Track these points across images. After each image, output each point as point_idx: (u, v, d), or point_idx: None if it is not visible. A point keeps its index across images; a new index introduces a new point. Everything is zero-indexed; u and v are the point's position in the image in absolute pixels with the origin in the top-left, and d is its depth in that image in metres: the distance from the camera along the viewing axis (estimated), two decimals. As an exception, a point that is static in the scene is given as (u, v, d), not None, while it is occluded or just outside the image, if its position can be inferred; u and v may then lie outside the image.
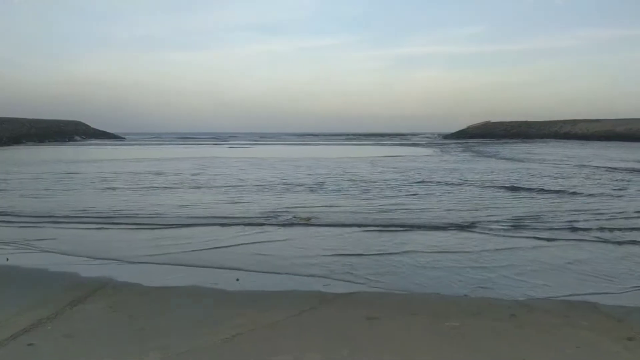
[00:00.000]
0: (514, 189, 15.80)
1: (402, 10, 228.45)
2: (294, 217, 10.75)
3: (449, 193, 15.04)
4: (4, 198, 14.20)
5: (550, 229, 9.64)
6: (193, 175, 21.41)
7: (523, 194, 14.80)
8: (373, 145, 64.77)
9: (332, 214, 11.37)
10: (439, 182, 18.05)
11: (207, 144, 73.09)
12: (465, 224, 10.09)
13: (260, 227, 9.90)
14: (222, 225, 10.14)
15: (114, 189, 16.54)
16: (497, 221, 10.41)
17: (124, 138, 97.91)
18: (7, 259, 7.37)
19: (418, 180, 19.00)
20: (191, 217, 11.05)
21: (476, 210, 11.97)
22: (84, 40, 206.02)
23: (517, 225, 10.01)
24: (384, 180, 18.91)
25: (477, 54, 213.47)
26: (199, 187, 16.94)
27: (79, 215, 11.35)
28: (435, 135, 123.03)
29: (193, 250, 7.97)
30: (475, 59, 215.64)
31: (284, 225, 10.09)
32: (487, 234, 9.30)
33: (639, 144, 55.90)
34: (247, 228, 9.82)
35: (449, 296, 5.82)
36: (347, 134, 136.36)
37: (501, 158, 32.59)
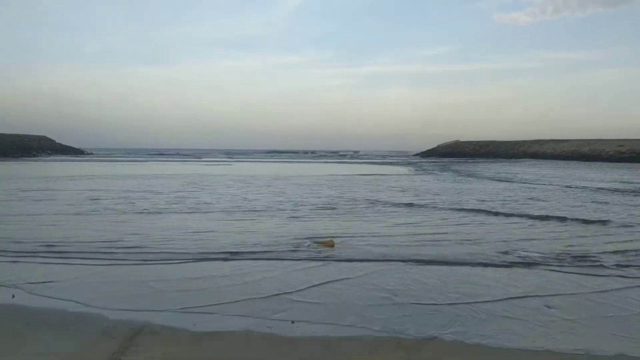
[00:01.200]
0: (547, 218, 14.00)
1: (370, 28, 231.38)
2: (315, 243, 10.18)
3: (481, 224, 13.00)
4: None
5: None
6: (191, 194, 20.19)
7: (570, 223, 13.08)
8: (349, 163, 64.60)
9: (365, 243, 10.30)
10: (460, 208, 16.09)
11: (184, 160, 71.66)
12: (533, 261, 8.73)
13: (298, 261, 8.71)
14: (253, 259, 8.76)
15: (110, 210, 14.98)
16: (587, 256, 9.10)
17: (92, 153, 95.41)
18: (13, 296, 6.55)
19: (429, 201, 18.38)
20: (208, 251, 9.33)
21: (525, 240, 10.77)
22: (50, 53, 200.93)
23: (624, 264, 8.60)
24: (402, 202, 17.86)
25: (444, 72, 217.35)
26: (208, 211, 15.11)
27: (83, 247, 9.61)
28: (405, 154, 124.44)
29: (228, 287, 7.27)
30: (442, 78, 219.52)
31: (323, 260, 8.78)
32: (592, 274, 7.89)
33: (603, 163, 58.61)
34: (279, 263, 8.53)
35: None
36: (314, 152, 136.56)
37: (487, 178, 32.47)
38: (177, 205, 16.31)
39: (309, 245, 9.92)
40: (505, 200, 18.61)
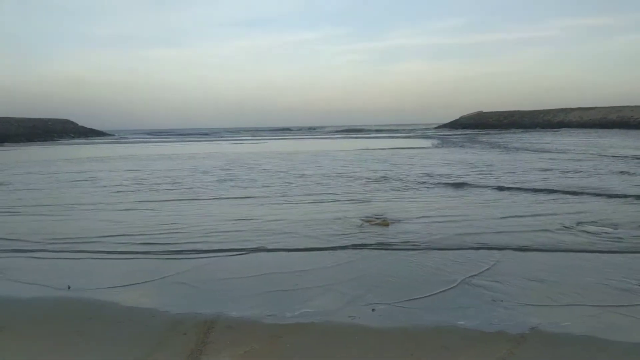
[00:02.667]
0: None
1: (385, 2, 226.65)
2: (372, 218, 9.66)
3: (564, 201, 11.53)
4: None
5: None
6: (244, 174, 19.55)
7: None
8: (374, 138, 63.26)
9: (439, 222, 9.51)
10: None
11: (210, 140, 70.95)
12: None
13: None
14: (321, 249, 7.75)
15: (174, 192, 14.34)
16: None
17: (114, 135, 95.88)
18: (69, 287, 6.17)
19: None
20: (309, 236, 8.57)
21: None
22: (68, 39, 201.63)
23: None
24: (467, 175, 17.18)
25: (462, 44, 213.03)
26: (282, 195, 13.64)
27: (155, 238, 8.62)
28: (426, 126, 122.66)
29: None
30: (460, 50, 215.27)
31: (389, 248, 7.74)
32: None
33: (631, 131, 57.06)
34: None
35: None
36: (334, 127, 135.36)
37: (521, 149, 31.33)
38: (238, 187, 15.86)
39: (361, 225, 9.40)
40: (568, 173, 17.23)
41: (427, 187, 14.43)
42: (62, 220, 10.44)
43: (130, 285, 6.18)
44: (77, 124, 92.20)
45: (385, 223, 9.44)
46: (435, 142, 46.42)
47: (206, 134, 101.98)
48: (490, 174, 17.54)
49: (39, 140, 68.48)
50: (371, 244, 7.90)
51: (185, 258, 7.33)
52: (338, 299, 5.54)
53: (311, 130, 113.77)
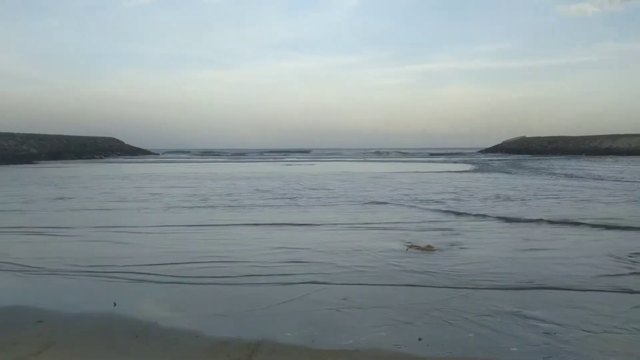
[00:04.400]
0: None
1: (426, 26, 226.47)
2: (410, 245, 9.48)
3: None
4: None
5: None
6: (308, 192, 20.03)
7: None
8: (419, 162, 62.52)
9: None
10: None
11: (259, 160, 72.05)
12: None
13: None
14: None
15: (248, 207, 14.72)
16: None
17: (158, 154, 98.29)
18: (115, 304, 6.24)
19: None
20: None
21: None
22: (118, 59, 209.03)
23: None
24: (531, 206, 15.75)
25: (505, 68, 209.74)
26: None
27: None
28: (467, 151, 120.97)
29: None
30: (503, 74, 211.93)
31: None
32: None
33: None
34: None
35: None
36: (377, 150, 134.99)
37: (578, 177, 29.70)
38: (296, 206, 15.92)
39: (407, 250, 9.24)
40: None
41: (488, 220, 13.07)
42: (110, 243, 10.33)
43: (176, 308, 6.18)
44: (123, 142, 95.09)
45: (430, 248, 9.25)
46: (475, 166, 45.64)
47: (244, 154, 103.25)
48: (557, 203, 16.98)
49: (87, 158, 70.93)
50: (417, 271, 7.73)
51: (232, 284, 7.25)
52: (384, 327, 5.40)
53: (357, 153, 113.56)
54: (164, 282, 7.21)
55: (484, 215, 13.50)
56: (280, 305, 6.15)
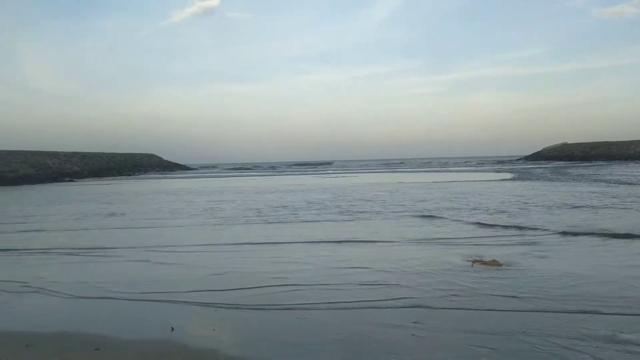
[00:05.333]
0: None
1: (456, 34, 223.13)
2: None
3: None
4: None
5: None
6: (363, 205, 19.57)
7: None
8: (460, 172, 61.25)
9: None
10: None
11: (293, 173, 71.76)
12: None
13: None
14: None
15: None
16: None
17: (196, 169, 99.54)
18: (173, 329, 5.95)
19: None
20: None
21: None
22: (153, 77, 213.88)
23: None
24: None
25: (539, 74, 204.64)
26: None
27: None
28: (504, 159, 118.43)
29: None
30: (538, 80, 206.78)
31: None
32: None
33: None
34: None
35: None
36: (410, 160, 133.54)
37: (633, 184, 28.22)
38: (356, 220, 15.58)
39: (472, 265, 8.73)
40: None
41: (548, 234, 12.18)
42: (166, 264, 9.78)
43: (240, 335, 5.83)
44: (162, 158, 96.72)
45: (496, 263, 8.71)
46: (515, 175, 44.26)
47: (273, 167, 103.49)
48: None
49: (127, 174, 72.23)
50: (491, 290, 7.21)
51: (307, 309, 6.83)
52: (448, 352, 4.93)
53: (393, 164, 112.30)
54: (224, 307, 6.74)
55: (543, 228, 12.80)
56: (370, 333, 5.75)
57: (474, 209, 17.40)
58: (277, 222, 15.64)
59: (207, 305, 6.82)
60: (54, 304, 7.16)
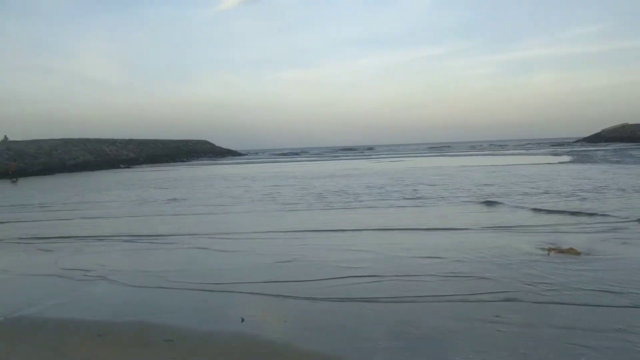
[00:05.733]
0: None
1: (511, 13, 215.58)
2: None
3: None
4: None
5: None
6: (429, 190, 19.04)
7: None
8: (513, 155, 59.04)
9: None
10: None
11: (344, 158, 70.93)
12: None
13: None
14: None
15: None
16: None
17: (247, 155, 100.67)
18: (243, 320, 5.78)
19: None
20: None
21: None
22: (207, 65, 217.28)
23: None
24: None
25: (599, 52, 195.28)
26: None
27: None
28: (562, 141, 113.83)
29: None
30: (597, 58, 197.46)
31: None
32: None
33: None
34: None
35: None
36: (455, 144, 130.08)
37: None
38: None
39: (548, 254, 8.20)
40: None
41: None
42: (232, 252, 9.60)
43: (313, 327, 5.57)
44: (214, 145, 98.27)
45: (574, 251, 8.14)
46: (573, 157, 42.27)
47: (319, 154, 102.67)
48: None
49: (181, 161, 73.80)
50: (575, 282, 6.69)
51: (361, 301, 6.60)
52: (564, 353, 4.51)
53: (440, 147, 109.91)
54: (293, 298, 6.48)
55: (619, 214, 12.00)
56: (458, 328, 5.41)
57: (544, 193, 16.61)
58: (340, 208, 15.25)
59: (276, 296, 6.57)
60: (119, 292, 7.07)
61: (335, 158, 70.78)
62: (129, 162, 64.46)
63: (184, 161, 73.27)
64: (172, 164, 66.85)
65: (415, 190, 19.45)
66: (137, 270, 8.30)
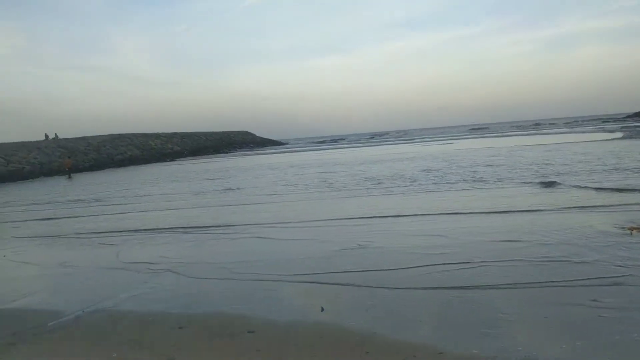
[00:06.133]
0: None
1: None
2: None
3: None
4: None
5: None
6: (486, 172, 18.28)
7: None
8: (559, 133, 56.72)
9: None
10: None
11: (386, 143, 69.75)
12: None
13: None
14: None
15: None
16: None
17: (287, 144, 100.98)
18: (322, 309, 5.58)
19: None
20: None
21: None
22: (245, 57, 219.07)
23: None
24: None
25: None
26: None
27: None
28: (607, 118, 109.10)
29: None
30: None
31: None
32: None
33: None
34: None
35: None
36: (493, 125, 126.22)
37: None
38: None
39: (631, 234, 7.69)
40: None
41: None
42: (301, 240, 9.39)
43: (392, 316, 5.36)
44: (255, 135, 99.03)
45: None
46: (626, 133, 40.18)
47: (357, 140, 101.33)
48: None
49: (224, 152, 74.64)
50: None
51: (450, 288, 6.30)
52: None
53: (479, 129, 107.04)
54: (371, 287, 6.18)
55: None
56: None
57: (611, 170, 15.81)
58: (400, 193, 14.84)
59: (351, 285, 6.34)
60: (187, 284, 6.97)
61: (377, 143, 69.85)
62: (174, 155, 65.63)
63: (226, 153, 74.06)
64: (216, 155, 67.66)
65: (474, 171, 18.79)
66: (202, 261, 8.19)
